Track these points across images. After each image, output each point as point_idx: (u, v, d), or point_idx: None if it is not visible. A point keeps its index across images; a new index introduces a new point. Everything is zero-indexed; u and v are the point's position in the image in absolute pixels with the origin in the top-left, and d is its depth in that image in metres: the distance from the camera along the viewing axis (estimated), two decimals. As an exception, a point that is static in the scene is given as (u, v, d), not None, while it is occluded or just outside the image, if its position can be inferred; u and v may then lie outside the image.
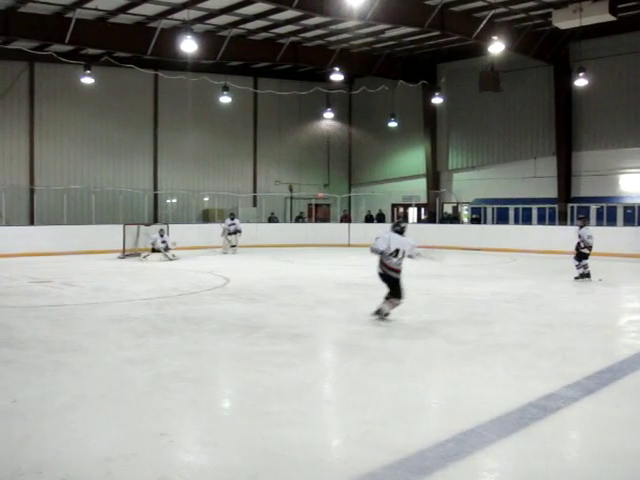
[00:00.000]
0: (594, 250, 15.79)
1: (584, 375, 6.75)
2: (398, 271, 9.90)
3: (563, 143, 28.50)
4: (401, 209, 35.45)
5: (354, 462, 4.61)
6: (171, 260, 21.27)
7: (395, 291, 9.93)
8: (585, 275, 15.23)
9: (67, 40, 23.02)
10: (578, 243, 15.37)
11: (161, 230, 22.29)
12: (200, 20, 24.56)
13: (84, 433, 5.14)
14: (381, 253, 9.83)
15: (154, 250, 21.73)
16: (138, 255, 22.24)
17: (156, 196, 31.50)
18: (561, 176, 28.64)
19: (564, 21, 22.17)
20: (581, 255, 15.27)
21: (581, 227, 15.56)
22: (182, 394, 6.23)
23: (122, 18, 24.07)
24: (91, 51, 26.54)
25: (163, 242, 21.75)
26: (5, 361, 7.43)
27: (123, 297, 12.92)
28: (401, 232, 10.03)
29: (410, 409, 5.84)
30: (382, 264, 9.98)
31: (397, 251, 9.84)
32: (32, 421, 5.39)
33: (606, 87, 26.75)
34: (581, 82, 25.38)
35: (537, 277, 14.74)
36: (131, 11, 23.41)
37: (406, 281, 9.94)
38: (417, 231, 30.06)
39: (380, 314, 9.92)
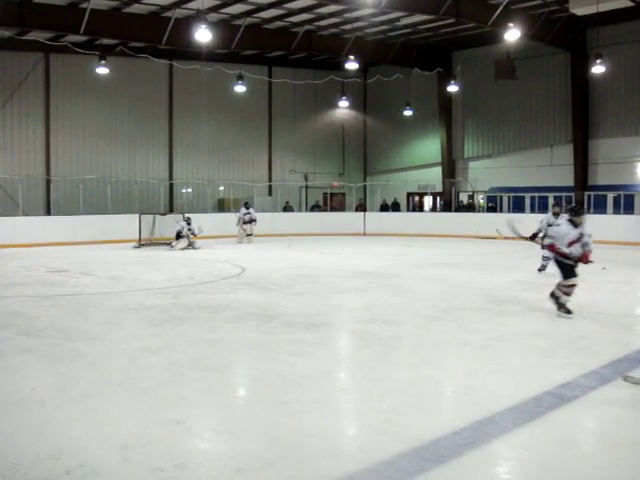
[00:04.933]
0: (610, 239, 15.68)
1: (601, 364, 6.71)
2: (564, 255, 9.32)
3: (580, 131, 28.28)
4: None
5: (370, 450, 4.62)
6: (195, 249, 21.51)
7: (562, 273, 9.46)
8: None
9: (82, 30, 23.04)
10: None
11: (188, 218, 22.54)
12: (214, 9, 24.53)
13: (102, 420, 5.17)
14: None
15: (179, 236, 21.98)
16: (153, 245, 22.38)
17: (171, 186, 31.58)
18: (577, 164, 28.44)
19: (581, 7, 21.98)
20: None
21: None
22: (198, 382, 6.26)
23: (136, 8, 24.09)
24: (106, 41, 26.55)
25: (190, 229, 22.03)
26: (24, 350, 7.49)
27: (139, 286, 12.98)
28: (573, 223, 9.38)
29: (426, 397, 5.83)
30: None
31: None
32: (50, 408, 5.43)
33: (623, 74, 26.50)
34: (598, 69, 25.16)
35: (554, 266, 14.63)
36: (145, 1, 23.43)
37: (421, 270, 9.92)
38: (433, 220, 30.20)
39: (558, 304, 9.46)
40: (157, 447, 4.63)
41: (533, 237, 14.37)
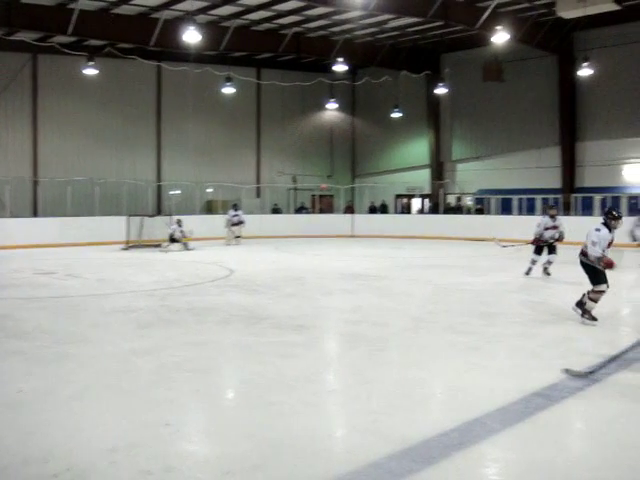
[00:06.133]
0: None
1: (589, 365, 6.73)
2: (593, 260, 9.07)
3: (567, 133, 28.43)
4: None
5: (358, 452, 4.62)
6: (189, 250, 21.55)
7: (591, 278, 9.25)
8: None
9: (70, 31, 22.98)
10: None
11: (179, 220, 22.56)
12: (203, 11, 24.48)
13: (89, 423, 5.16)
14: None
15: (173, 240, 22.02)
16: (142, 247, 22.33)
17: (160, 187, 31.50)
18: (565, 166, 28.58)
19: (568, 11, 22.07)
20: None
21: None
22: (186, 384, 6.25)
23: (125, 9, 24.03)
24: (94, 42, 26.48)
25: (181, 232, 22.12)
26: (11, 352, 7.46)
27: (127, 288, 12.94)
28: (608, 226, 9.15)
29: (414, 399, 5.84)
30: (582, 252, 9.32)
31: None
32: (38, 411, 5.41)
33: (610, 77, 26.63)
34: (585, 72, 25.34)
35: (538, 267, 14.71)
36: (134, 2, 23.36)
37: (409, 272, 9.94)
38: (421, 222, 30.26)
39: (582, 309, 9.23)
40: (145, 450, 4.62)
41: (535, 241, 14.49)
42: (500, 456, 4.72)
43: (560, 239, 14.46)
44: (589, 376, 6.35)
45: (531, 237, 14.86)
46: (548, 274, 14.43)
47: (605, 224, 9.13)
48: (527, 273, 14.53)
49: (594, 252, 8.84)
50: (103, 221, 24.84)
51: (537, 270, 14.39)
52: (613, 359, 6.78)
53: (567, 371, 6.43)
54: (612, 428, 5.16)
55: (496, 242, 16.79)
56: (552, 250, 14.46)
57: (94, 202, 26.18)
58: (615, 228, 9.13)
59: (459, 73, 31.39)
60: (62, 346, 7.75)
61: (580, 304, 9.29)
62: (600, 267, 8.98)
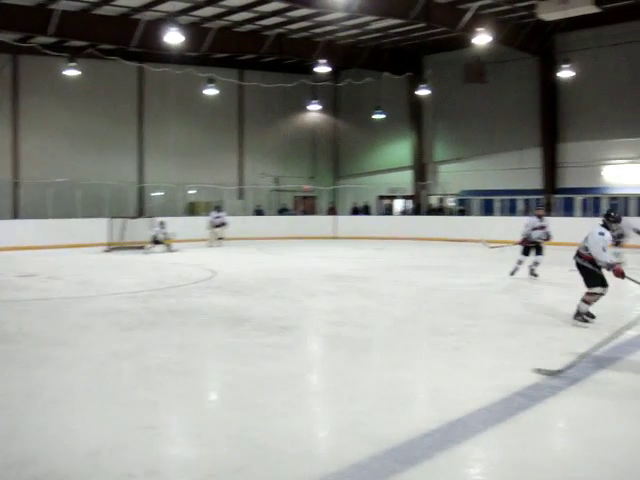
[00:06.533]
0: (578, 241, 15.81)
1: (570, 365, 6.77)
2: (593, 261, 8.86)
3: (548, 134, 28.58)
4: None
5: (341, 453, 4.62)
6: (172, 252, 21.51)
7: (586, 280, 9.08)
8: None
9: (51, 32, 22.84)
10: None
11: (162, 222, 22.50)
12: (185, 12, 24.42)
13: (70, 427, 5.12)
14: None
15: (156, 242, 21.99)
16: (124, 249, 22.23)
17: (142, 189, 31.37)
18: (546, 167, 28.72)
19: (548, 13, 22.19)
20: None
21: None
22: (169, 387, 6.23)
23: (106, 10, 23.89)
24: (75, 43, 26.35)
25: (163, 234, 22.10)
26: (-10, 355, 7.40)
27: (109, 290, 12.88)
28: (608, 227, 8.99)
29: (397, 399, 5.86)
30: (578, 254, 9.17)
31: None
32: (18, 415, 5.37)
33: (591, 79, 26.80)
34: (566, 74, 25.56)
35: (523, 268, 14.80)
36: (115, 2, 23.23)
37: (392, 273, 9.97)
38: (404, 223, 30.33)
39: (580, 315, 9.09)
40: (127, 453, 4.59)
41: (523, 241, 14.46)
42: (483, 456, 4.75)
43: (547, 239, 14.40)
44: (558, 374, 6.40)
45: (515, 237, 14.90)
46: (535, 275, 14.34)
47: (605, 226, 8.98)
48: (512, 273, 14.46)
49: (604, 258, 8.61)
50: (85, 223, 24.67)
51: (523, 271, 14.39)
52: (582, 358, 6.85)
53: (539, 370, 6.46)
54: (593, 427, 5.20)
55: (484, 244, 16.84)
56: (539, 251, 14.38)
57: (76, 204, 26.02)
58: (614, 231, 9.06)
59: (441, 74, 31.45)
60: (43, 349, 7.69)
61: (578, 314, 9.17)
62: (598, 270, 8.87)
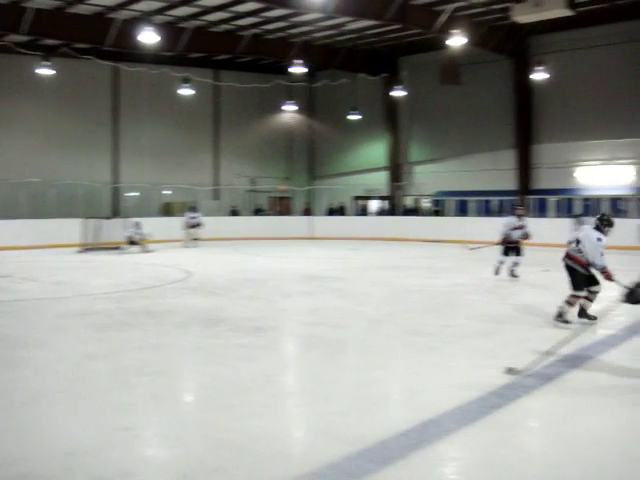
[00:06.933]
0: (552, 241, 16.01)
1: (544, 364, 6.85)
2: (586, 265, 8.83)
3: (522, 136, 28.81)
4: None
5: (316, 453, 4.64)
6: (147, 253, 21.44)
7: (573, 282, 9.02)
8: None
9: (24, 30, 22.62)
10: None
11: (137, 222, 22.43)
12: (160, 11, 24.33)
13: (45, 428, 5.09)
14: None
15: (131, 242, 21.97)
16: (99, 249, 22.07)
17: (117, 189, 31.17)
18: (520, 168, 28.96)
19: (523, 15, 22.32)
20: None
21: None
22: (144, 388, 6.21)
23: (81, 8, 23.73)
24: (49, 42, 26.14)
25: (138, 234, 22.06)
26: (-37, 357, 7.34)
27: (84, 291, 12.79)
28: (602, 230, 8.85)
29: (372, 400, 5.88)
30: (569, 256, 9.10)
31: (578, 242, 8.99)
32: (-9, 417, 5.33)
33: (565, 81, 27.05)
34: (540, 76, 25.79)
35: (508, 269, 14.91)
36: (90, 1, 23.07)
37: (367, 273, 10.00)
38: (379, 223, 30.40)
39: (561, 317, 9.02)
40: (102, 455, 4.58)
41: (503, 242, 14.42)
42: (457, 455, 4.79)
43: (526, 239, 14.34)
44: (522, 373, 6.44)
45: (489, 238, 14.93)
46: (515, 276, 14.23)
47: (599, 229, 8.88)
48: (496, 273, 14.34)
49: (602, 262, 8.59)
50: (59, 223, 24.41)
51: (503, 271, 14.37)
52: (547, 356, 6.93)
53: (510, 371, 6.48)
54: (566, 425, 5.25)
55: (464, 246, 16.88)
56: (518, 252, 14.28)
57: (50, 204, 25.81)
58: (606, 235, 8.90)
59: (417, 76, 31.57)
60: (18, 351, 7.64)
61: (582, 312, 9.16)
62: (587, 274, 8.84)
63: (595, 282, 8.96)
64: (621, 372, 6.72)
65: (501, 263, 14.43)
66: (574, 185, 27.88)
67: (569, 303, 9.01)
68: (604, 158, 27.27)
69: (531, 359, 6.82)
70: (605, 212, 9.79)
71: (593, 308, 9.17)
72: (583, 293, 8.95)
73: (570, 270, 9.04)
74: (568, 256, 9.08)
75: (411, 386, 6.38)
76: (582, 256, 8.84)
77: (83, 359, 7.25)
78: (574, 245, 9.02)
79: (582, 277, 8.90)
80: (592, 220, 9.27)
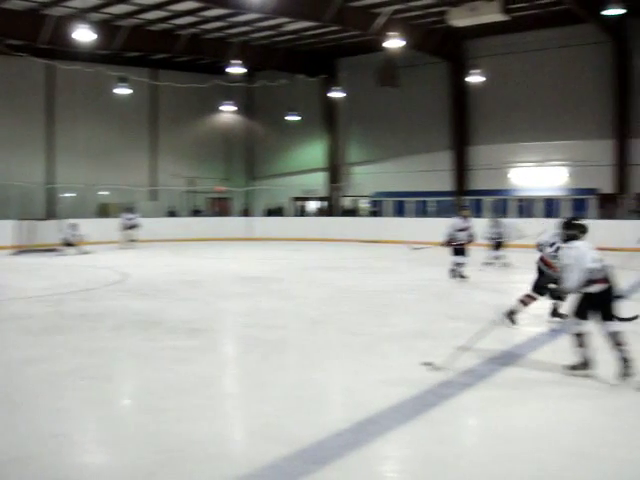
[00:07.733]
0: (487, 241, 16.35)
1: (480, 362, 6.99)
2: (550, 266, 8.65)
3: (458, 138, 29.32)
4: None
5: (253, 455, 4.66)
6: (85, 254, 21.13)
7: (536, 285, 8.99)
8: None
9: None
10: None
11: (73, 224, 22.09)
12: (96, 9, 23.97)
13: (-24, 435, 5.00)
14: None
15: (67, 244, 21.62)
16: (34, 252, 21.62)
17: (51, 190, 30.56)
18: (456, 170, 29.48)
19: (459, 19, 22.71)
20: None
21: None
22: (80, 393, 6.13)
23: (14, 4, 23.17)
24: (-20, 38, 25.51)
25: (74, 236, 21.76)
26: None
27: (18, 294, 12.51)
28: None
29: (309, 400, 5.93)
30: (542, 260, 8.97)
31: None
32: None
33: (499, 84, 27.58)
34: (476, 79, 26.28)
35: (435, 268, 15.11)
36: (23, -3, 22.64)
37: (306, 274, 10.04)
38: (318, 224, 30.50)
39: (512, 314, 8.98)
40: (35, 462, 4.50)
41: (448, 243, 14.39)
42: (394, 454, 4.87)
43: (471, 240, 14.38)
44: (442, 369, 6.59)
45: (427, 238, 15.06)
46: (462, 277, 14.08)
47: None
48: (462, 276, 14.09)
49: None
50: (-9, 225, 23.84)
51: (443, 272, 14.32)
52: (462, 351, 7.04)
53: (427, 364, 6.67)
54: (501, 422, 5.38)
55: (407, 246, 17.02)
56: (463, 252, 14.15)
57: (-19, 205, 25.17)
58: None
59: (355, 77, 31.77)
60: (-53, 356, 7.46)
61: (554, 313, 9.21)
62: (553, 281, 8.51)
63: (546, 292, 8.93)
64: (551, 368, 6.88)
65: (457, 265, 14.16)
66: (509, 186, 28.48)
67: (523, 302, 9.06)
68: (537, 160, 27.95)
69: (467, 357, 6.95)
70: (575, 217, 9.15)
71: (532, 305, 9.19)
72: (537, 297, 8.95)
73: (540, 273, 9.01)
74: (541, 259, 9.02)
75: (347, 386, 6.44)
76: (557, 263, 8.31)
77: (17, 364, 7.11)
78: (549, 250, 8.75)
79: (548, 282, 8.68)
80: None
